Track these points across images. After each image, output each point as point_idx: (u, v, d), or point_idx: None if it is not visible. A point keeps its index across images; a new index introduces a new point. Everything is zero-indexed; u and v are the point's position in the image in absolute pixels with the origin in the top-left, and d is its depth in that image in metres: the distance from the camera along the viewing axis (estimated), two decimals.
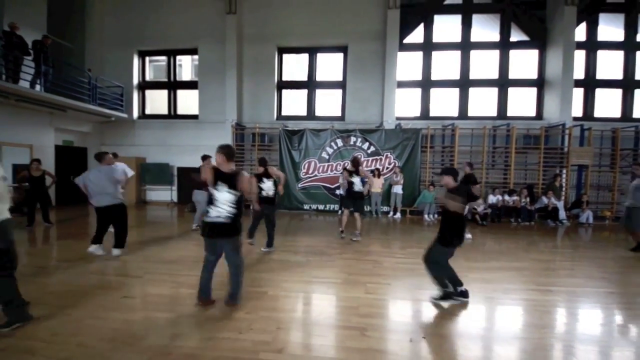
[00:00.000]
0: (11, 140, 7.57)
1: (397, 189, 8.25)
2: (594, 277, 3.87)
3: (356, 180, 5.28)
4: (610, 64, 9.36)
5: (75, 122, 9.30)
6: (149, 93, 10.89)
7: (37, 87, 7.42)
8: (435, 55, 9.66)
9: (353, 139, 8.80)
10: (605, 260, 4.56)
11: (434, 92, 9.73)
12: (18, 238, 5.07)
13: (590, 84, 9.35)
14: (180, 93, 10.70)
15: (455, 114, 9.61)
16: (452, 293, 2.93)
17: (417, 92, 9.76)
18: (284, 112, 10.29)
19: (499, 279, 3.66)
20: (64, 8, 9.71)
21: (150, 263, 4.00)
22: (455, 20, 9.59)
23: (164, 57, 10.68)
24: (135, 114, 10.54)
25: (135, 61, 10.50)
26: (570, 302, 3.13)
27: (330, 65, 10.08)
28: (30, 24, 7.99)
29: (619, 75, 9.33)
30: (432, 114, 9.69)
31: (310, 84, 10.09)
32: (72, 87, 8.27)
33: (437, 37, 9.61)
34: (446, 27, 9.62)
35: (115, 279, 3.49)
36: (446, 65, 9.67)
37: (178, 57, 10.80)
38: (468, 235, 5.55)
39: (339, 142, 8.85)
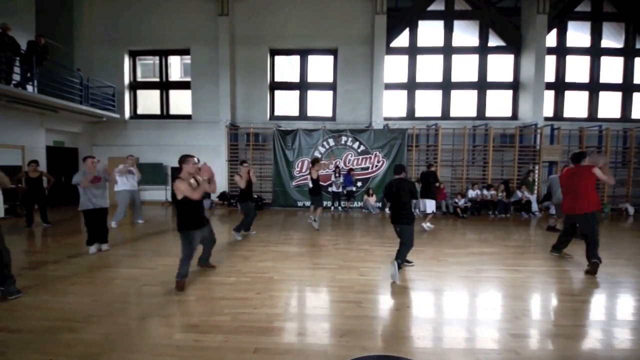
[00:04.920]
0: (2, 141, 7.56)
1: None
2: (554, 258, 4.47)
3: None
4: (577, 68, 10.21)
5: (66, 122, 9.29)
6: (140, 93, 10.93)
7: (29, 88, 7.43)
8: (420, 58, 10.22)
9: (344, 138, 9.24)
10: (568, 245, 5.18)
11: (419, 93, 10.30)
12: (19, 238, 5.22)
13: (560, 86, 10.18)
14: (172, 93, 10.80)
15: (439, 114, 10.22)
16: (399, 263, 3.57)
17: (403, 93, 10.31)
18: (276, 113, 10.60)
19: (474, 262, 4.19)
20: (52, 7, 9.63)
21: (161, 257, 4.30)
22: (438, 25, 10.18)
23: (151, 56, 10.74)
24: (127, 114, 10.57)
25: (126, 61, 10.51)
26: (531, 278, 3.68)
27: (321, 67, 10.46)
28: (19, 23, 7.93)
29: (585, 78, 10.20)
30: (417, 114, 10.27)
31: (302, 85, 10.44)
32: (63, 87, 8.29)
33: (421, 42, 10.18)
34: (430, 32, 10.21)
35: (131, 271, 3.79)
36: (430, 68, 10.25)
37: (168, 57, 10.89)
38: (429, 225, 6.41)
39: (331, 142, 9.27)
